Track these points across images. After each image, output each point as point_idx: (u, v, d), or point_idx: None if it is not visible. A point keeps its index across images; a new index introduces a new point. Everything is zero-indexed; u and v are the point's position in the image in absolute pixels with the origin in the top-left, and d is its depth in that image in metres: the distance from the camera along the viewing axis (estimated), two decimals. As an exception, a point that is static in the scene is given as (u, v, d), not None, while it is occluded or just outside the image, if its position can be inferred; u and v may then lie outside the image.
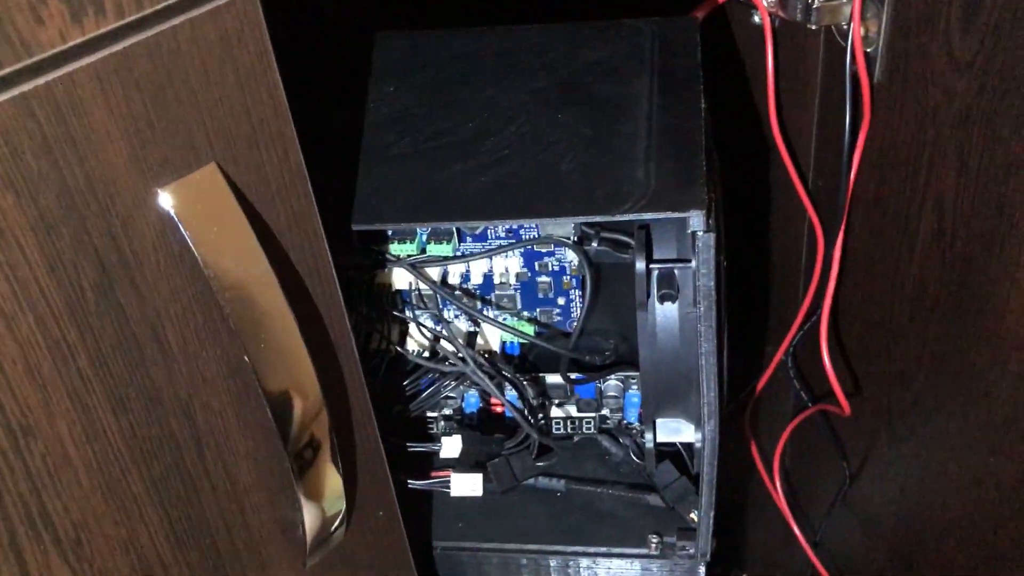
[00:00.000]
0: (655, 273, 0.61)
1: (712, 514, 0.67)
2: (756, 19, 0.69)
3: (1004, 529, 0.67)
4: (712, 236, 0.53)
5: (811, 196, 0.75)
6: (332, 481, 0.55)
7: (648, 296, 0.61)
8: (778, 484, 0.94)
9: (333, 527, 0.57)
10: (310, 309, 0.51)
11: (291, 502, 0.53)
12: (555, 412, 0.77)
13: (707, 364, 0.57)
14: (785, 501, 0.94)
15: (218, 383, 0.47)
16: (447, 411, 0.76)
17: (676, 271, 0.61)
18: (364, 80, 0.66)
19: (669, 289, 0.60)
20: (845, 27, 0.62)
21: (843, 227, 0.79)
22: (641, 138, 0.59)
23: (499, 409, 0.77)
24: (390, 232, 0.67)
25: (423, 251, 0.67)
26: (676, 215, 0.53)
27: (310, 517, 0.55)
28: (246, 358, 0.46)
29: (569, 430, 0.77)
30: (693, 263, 0.57)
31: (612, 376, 0.75)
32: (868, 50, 0.62)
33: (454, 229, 0.67)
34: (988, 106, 0.55)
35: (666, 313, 0.61)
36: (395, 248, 0.67)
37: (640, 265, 0.59)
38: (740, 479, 1.03)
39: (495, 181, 0.58)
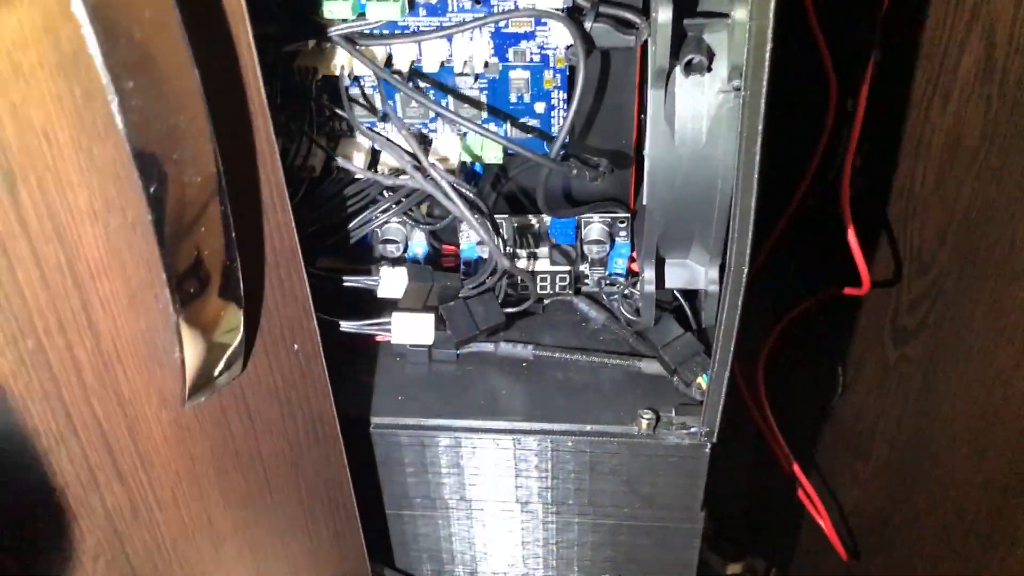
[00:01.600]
0: (684, 36, 0.45)
1: (727, 377, 0.52)
2: None
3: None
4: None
5: (825, 33, 0.61)
6: (228, 290, 0.38)
7: (670, 71, 0.45)
8: (763, 394, 0.80)
9: (226, 357, 0.41)
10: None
11: (162, 308, 0.36)
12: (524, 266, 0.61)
13: (747, 158, 0.42)
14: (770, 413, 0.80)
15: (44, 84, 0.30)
16: (387, 263, 0.60)
17: (706, 35, 0.45)
18: None
19: (698, 54, 0.44)
20: None
21: (870, 67, 0.65)
22: None
23: (453, 260, 0.61)
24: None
25: (361, 16, 0.50)
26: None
27: (192, 338, 0.38)
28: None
29: (539, 290, 0.61)
30: (736, 11, 0.41)
31: (596, 217, 0.60)
32: None
33: (404, -13, 0.50)
34: None
35: (691, 92, 0.46)
36: (327, 7, 0.49)
37: (664, 16, 0.43)
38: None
39: None
